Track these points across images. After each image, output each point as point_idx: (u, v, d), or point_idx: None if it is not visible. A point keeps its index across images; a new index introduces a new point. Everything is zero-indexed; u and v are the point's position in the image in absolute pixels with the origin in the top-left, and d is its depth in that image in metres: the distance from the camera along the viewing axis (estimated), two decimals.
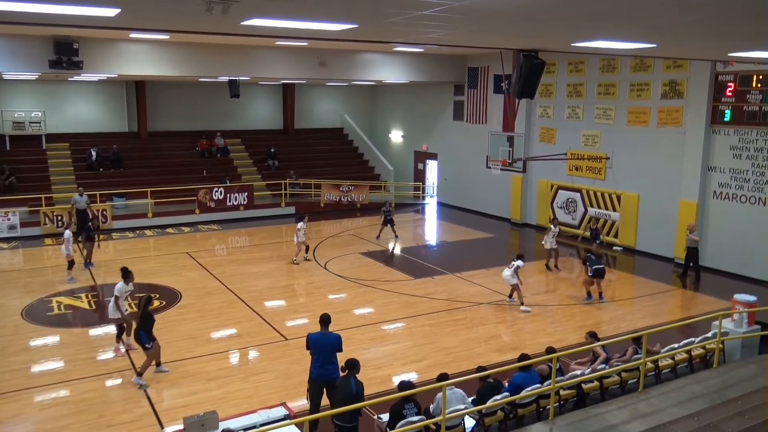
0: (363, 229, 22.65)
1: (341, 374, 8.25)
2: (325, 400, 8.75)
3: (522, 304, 14.16)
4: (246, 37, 10.26)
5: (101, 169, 25.08)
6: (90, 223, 17.09)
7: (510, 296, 14.57)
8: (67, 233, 16.06)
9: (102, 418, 9.26)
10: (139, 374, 10.35)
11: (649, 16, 6.87)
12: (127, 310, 11.67)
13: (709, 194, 17.55)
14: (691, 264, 16.55)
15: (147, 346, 10.27)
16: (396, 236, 21.00)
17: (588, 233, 19.48)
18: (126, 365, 11.08)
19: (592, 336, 9.99)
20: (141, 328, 10.27)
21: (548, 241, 17.25)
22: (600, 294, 14.70)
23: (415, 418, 7.66)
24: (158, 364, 10.70)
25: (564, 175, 21.87)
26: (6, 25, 13.86)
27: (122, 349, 11.53)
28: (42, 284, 15.85)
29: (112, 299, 11.29)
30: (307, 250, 18.24)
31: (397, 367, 11.04)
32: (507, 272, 14.17)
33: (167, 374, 10.68)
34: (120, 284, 11.31)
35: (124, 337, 11.63)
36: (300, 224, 17.75)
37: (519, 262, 14.18)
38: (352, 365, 8.15)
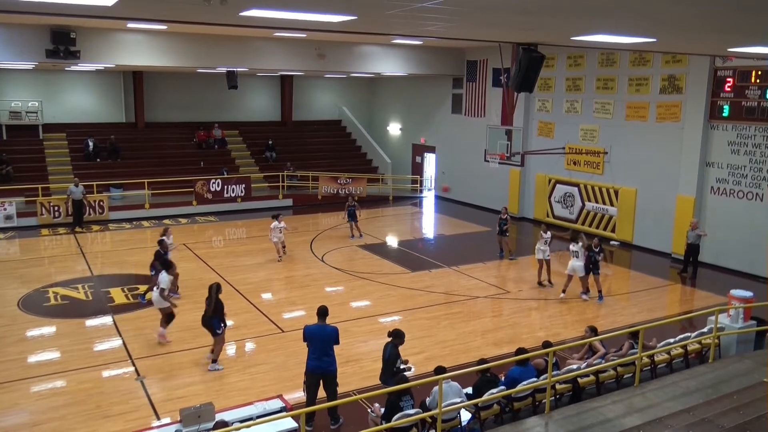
0: (360, 221, 22.62)
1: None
2: (321, 393, 8.76)
3: (564, 291, 14.45)
4: (244, 28, 10.21)
5: (98, 160, 25.01)
6: (162, 243, 13.96)
7: (564, 290, 14.53)
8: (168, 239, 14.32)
9: (98, 408, 9.27)
10: (214, 360, 10.52)
11: (646, 10, 6.84)
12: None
13: (706, 189, 17.56)
14: (690, 259, 16.58)
15: (218, 331, 10.44)
16: (360, 235, 20.05)
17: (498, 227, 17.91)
18: (122, 356, 11.08)
19: (592, 330, 10.01)
20: (215, 315, 10.39)
21: (541, 251, 15.33)
22: (587, 290, 14.64)
23: (411, 411, 7.68)
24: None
25: (562, 170, 21.87)
26: (2, 14, 13.77)
27: (166, 335, 11.61)
28: (39, 275, 15.82)
29: (157, 290, 11.41)
30: (282, 251, 17.17)
31: None
32: (577, 263, 14.16)
33: (165, 366, 10.69)
34: (164, 275, 11.47)
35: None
36: (275, 223, 16.85)
37: (579, 247, 14.11)
38: (395, 335, 8.76)
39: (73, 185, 20.87)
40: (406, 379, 8.08)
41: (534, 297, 14.71)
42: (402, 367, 8.68)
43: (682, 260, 16.90)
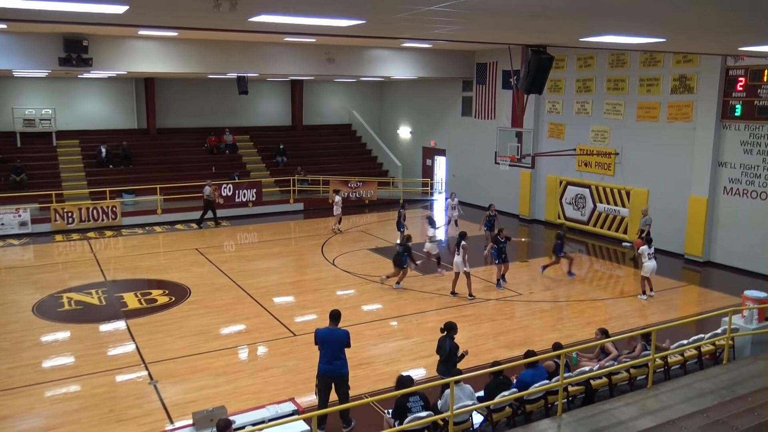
0: (371, 225, 22.66)
1: (441, 335, 9.24)
2: (333, 396, 8.77)
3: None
4: (254, 33, 10.29)
5: (111, 166, 25.20)
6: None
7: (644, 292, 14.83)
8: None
9: (112, 412, 9.33)
10: (388, 277, 15.10)
11: (655, 11, 6.83)
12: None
13: (719, 190, 17.43)
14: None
15: (404, 265, 14.74)
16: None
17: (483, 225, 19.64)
18: (136, 361, 11.15)
19: (603, 332, 9.97)
20: (405, 253, 14.58)
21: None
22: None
23: (423, 414, 7.67)
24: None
25: (573, 171, 21.79)
26: (16, 22, 13.95)
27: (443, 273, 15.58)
28: (52, 280, 15.97)
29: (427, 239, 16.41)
30: (339, 222, 21.00)
31: (406, 362, 11.05)
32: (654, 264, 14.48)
33: (176, 370, 10.75)
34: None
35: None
36: (337, 198, 20.83)
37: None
38: (450, 327, 9.20)
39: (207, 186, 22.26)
40: (411, 380, 8.06)
41: (545, 299, 14.66)
42: (460, 354, 9.22)
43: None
